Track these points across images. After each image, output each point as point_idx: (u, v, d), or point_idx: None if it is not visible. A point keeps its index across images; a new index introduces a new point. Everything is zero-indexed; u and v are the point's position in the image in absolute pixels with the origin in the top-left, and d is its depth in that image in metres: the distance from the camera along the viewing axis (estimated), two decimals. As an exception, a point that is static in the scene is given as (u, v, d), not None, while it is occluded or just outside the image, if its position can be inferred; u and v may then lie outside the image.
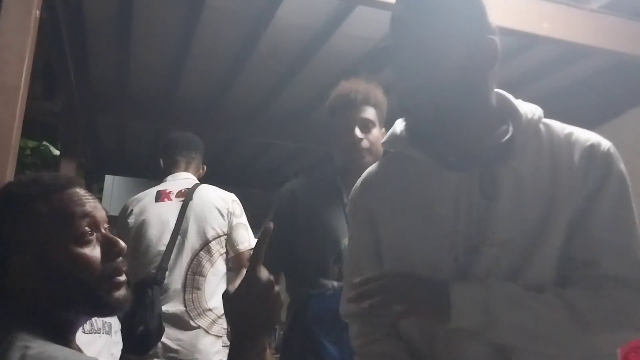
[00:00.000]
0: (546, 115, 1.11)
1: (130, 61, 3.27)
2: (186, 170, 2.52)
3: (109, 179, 6.45)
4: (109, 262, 0.95)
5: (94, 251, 0.94)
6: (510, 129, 1.06)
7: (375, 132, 1.86)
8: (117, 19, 2.84)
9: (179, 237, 2.28)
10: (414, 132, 1.10)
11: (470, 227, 1.03)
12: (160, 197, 2.41)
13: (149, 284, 2.20)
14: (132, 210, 2.40)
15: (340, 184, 1.91)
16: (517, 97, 1.14)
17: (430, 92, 1.02)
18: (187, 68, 3.31)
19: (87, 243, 0.94)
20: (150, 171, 5.95)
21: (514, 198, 1.03)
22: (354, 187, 1.27)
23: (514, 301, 0.97)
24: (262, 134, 4.39)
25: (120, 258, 0.97)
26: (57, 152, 9.55)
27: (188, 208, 2.32)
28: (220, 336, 2.29)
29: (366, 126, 1.84)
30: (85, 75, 3.53)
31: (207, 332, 2.25)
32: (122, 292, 0.96)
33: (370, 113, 1.86)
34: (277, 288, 0.95)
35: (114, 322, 3.09)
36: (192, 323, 2.22)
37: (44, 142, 9.90)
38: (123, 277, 0.97)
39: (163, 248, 2.27)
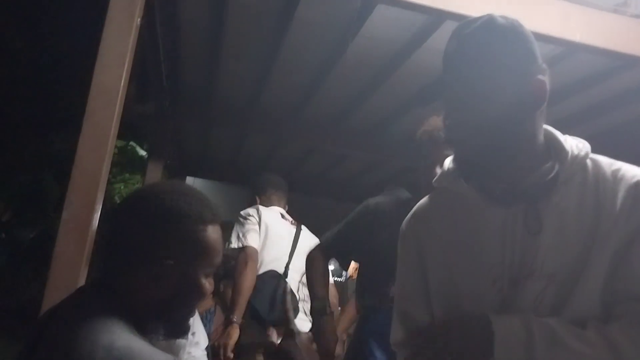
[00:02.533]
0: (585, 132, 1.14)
1: (219, 69, 3.38)
2: (278, 205, 3.29)
3: (189, 180, 6.68)
4: (204, 297, 1.06)
5: (206, 285, 1.04)
6: (556, 166, 1.09)
7: None
8: (209, 29, 2.95)
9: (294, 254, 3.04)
10: (461, 166, 1.15)
11: (515, 261, 1.07)
12: (284, 217, 3.24)
13: (282, 276, 2.94)
14: (261, 215, 3.08)
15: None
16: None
17: (477, 128, 1.06)
18: (272, 78, 3.39)
19: (206, 278, 1.05)
20: (228, 175, 6.16)
21: (557, 233, 1.06)
22: (405, 219, 1.32)
23: (554, 340, 0.99)
24: (340, 145, 4.41)
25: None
26: (142, 153, 10.02)
27: (300, 236, 3.15)
28: None
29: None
30: (176, 81, 3.69)
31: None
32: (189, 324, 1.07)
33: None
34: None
35: (194, 323, 3.20)
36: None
37: (131, 143, 10.39)
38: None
39: (286, 258, 3.03)
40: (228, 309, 2.97)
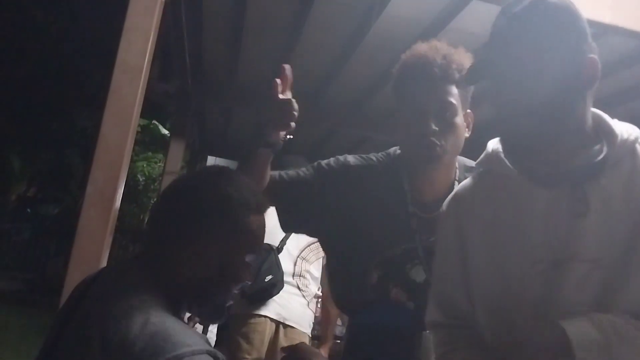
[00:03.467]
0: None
1: (241, 49, 3.38)
2: None
3: (210, 159, 6.73)
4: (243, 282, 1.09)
5: (248, 270, 1.08)
6: (605, 148, 1.07)
7: (458, 121, 1.40)
8: (232, 8, 2.94)
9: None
10: (508, 144, 1.12)
11: (558, 243, 1.05)
12: None
13: (275, 250, 2.89)
14: None
15: (405, 184, 1.49)
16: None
17: (527, 107, 1.04)
18: (293, 58, 3.38)
19: (249, 264, 1.07)
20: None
21: (603, 216, 1.03)
22: (447, 200, 1.27)
23: (626, 335, 0.97)
24: (361, 127, 4.40)
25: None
26: (165, 132, 10.11)
27: None
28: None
29: (444, 113, 1.38)
30: (199, 60, 3.70)
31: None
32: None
33: (451, 93, 1.39)
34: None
35: None
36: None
37: (154, 121, 10.48)
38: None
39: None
40: None
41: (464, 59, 1.41)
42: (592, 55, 1.05)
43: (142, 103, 1.87)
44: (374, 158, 1.58)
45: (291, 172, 1.60)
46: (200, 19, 3.14)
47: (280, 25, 3.03)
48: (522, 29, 1.04)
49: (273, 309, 2.85)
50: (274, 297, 2.84)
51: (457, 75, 1.38)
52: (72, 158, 10.69)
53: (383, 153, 1.60)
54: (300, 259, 2.99)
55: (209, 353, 0.89)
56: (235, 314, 2.85)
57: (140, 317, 0.89)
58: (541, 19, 1.04)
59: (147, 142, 10.92)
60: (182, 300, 1.02)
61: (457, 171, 1.52)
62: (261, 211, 1.08)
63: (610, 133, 1.09)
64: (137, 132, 3.66)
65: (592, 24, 1.12)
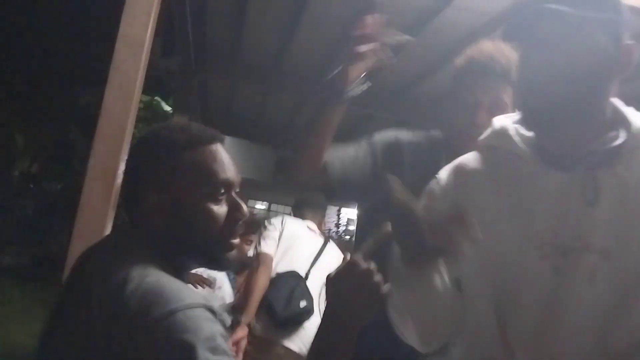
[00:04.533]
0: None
1: (245, 25, 3.35)
2: (311, 219, 3.34)
3: (213, 137, 6.73)
4: (230, 224, 1.02)
5: (220, 210, 1.01)
6: (622, 135, 1.04)
7: None
8: (236, -18, 2.92)
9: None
10: (531, 115, 1.07)
11: (567, 229, 1.01)
12: (310, 229, 3.27)
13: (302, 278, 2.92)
14: (284, 225, 3.15)
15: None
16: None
17: (560, 75, 1.00)
18: (298, 34, 3.35)
19: (217, 201, 1.01)
20: (252, 133, 6.16)
21: (616, 206, 1.00)
22: (443, 169, 1.22)
23: None
24: (365, 105, 4.37)
25: (240, 222, 1.04)
26: (167, 108, 10.08)
27: (326, 248, 3.17)
28: None
29: (496, 108, 1.46)
30: (203, 36, 3.66)
31: None
32: (233, 253, 1.04)
33: (506, 92, 1.48)
34: (377, 278, 0.97)
35: (220, 277, 3.26)
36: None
37: (156, 98, 10.45)
38: (237, 240, 1.05)
39: (306, 267, 3.01)
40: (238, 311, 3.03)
41: None
42: (630, 42, 1.04)
43: (144, 78, 1.86)
44: (420, 135, 1.67)
45: (345, 153, 1.63)
46: (204, -6, 3.11)
47: (285, 0, 3.00)
48: (574, 4, 1.01)
49: (299, 339, 2.81)
50: (304, 326, 2.81)
51: (514, 77, 1.44)
52: (75, 134, 10.69)
53: (425, 133, 1.68)
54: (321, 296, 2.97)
55: (204, 307, 0.87)
56: (258, 336, 2.83)
57: (137, 277, 0.88)
58: None
59: (150, 118, 10.89)
60: (176, 256, 1.00)
61: None
62: (198, 144, 1.01)
63: (625, 120, 1.06)
64: (140, 108, 3.65)
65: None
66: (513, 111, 1.44)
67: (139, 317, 0.83)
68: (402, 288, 1.09)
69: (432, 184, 1.22)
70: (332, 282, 0.98)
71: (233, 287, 3.42)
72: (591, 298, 0.99)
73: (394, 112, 4.41)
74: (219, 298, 3.24)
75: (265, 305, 2.87)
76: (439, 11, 2.79)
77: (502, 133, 1.13)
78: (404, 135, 1.66)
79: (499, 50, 1.49)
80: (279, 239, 3.08)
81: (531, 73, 1.05)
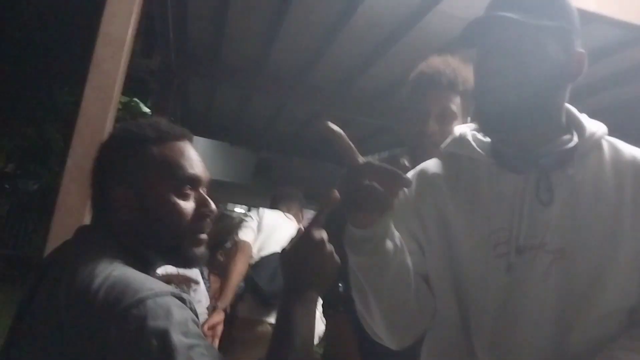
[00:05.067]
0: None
1: (226, 26, 3.34)
2: (286, 211, 3.43)
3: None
4: (197, 220, 1.02)
5: (187, 205, 1.01)
6: (575, 138, 1.08)
7: (455, 125, 1.56)
8: (218, -17, 2.90)
9: None
10: (486, 118, 1.10)
11: (522, 229, 1.04)
12: (287, 217, 3.37)
13: None
14: (262, 216, 3.21)
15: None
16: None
17: (515, 81, 1.03)
18: (280, 37, 3.35)
19: (184, 196, 1.01)
20: (232, 135, 6.14)
21: (570, 206, 1.04)
22: (408, 174, 1.23)
23: None
24: (346, 109, 4.39)
25: (208, 219, 1.04)
26: (146, 110, 9.98)
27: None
28: None
29: (445, 117, 1.57)
30: (184, 37, 3.64)
31: None
32: (201, 250, 1.04)
33: (454, 102, 1.58)
34: (330, 247, 0.98)
35: (195, 278, 3.24)
36: None
37: (135, 99, 10.36)
38: (205, 237, 1.04)
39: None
40: (215, 296, 3.05)
41: (470, 75, 1.54)
42: (581, 50, 1.07)
43: (124, 78, 1.84)
44: (384, 156, 1.79)
45: None
46: (185, -6, 3.09)
47: (267, 3, 3.00)
48: (522, 6, 1.04)
49: None
50: None
51: (461, 87, 1.58)
52: (52, 134, 10.53)
53: (389, 153, 1.78)
54: None
55: (172, 294, 0.87)
56: (242, 317, 2.85)
57: (103, 272, 0.88)
58: (542, 3, 1.05)
59: (128, 119, 10.78)
60: (142, 253, 1.00)
61: None
62: (165, 140, 1.02)
63: (578, 125, 1.11)
64: (118, 109, 3.61)
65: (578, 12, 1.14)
66: (462, 120, 1.58)
67: (109, 309, 0.83)
68: (360, 287, 1.09)
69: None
70: (288, 254, 0.98)
71: (208, 290, 3.40)
72: (545, 296, 1.02)
73: (375, 117, 4.43)
74: (196, 301, 3.22)
75: (250, 286, 2.91)
76: (422, 16, 2.82)
77: (461, 140, 1.18)
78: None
79: (446, 63, 1.60)
80: (258, 229, 3.15)
81: (485, 79, 1.08)
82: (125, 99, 9.76)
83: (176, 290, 0.89)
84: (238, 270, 2.93)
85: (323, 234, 0.98)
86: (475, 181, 1.12)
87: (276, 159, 7.74)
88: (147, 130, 1.02)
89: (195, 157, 1.05)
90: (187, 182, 1.01)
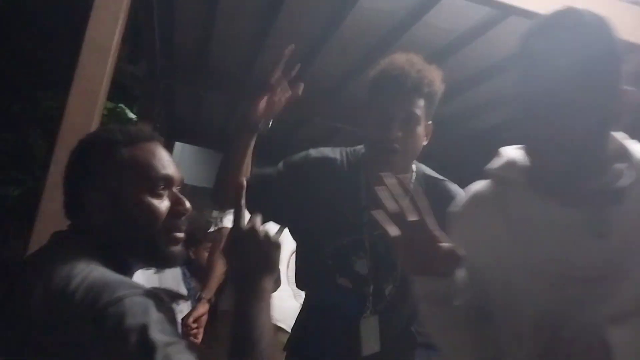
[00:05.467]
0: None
1: (213, 33, 3.33)
2: None
3: (178, 145, 6.62)
4: (172, 218, 1.04)
5: (161, 204, 1.03)
6: (627, 172, 1.04)
7: (419, 130, 1.53)
8: (205, -10, 2.90)
9: None
10: (538, 175, 1.08)
11: (579, 262, 1.03)
12: None
13: None
14: None
15: (362, 179, 1.60)
16: None
17: (564, 144, 1.00)
18: (267, 45, 3.35)
19: (158, 196, 1.02)
20: (219, 142, 6.10)
21: (628, 235, 1.02)
22: (460, 203, 1.25)
23: None
24: (333, 118, 4.39)
25: (184, 218, 1.05)
26: (132, 116, 9.91)
27: None
28: None
29: (409, 122, 1.50)
30: (170, 43, 3.63)
31: None
32: (177, 248, 1.05)
33: (418, 105, 1.50)
34: (261, 235, 1.00)
35: (178, 285, 3.23)
36: None
37: (120, 105, 10.28)
38: (181, 235, 1.06)
39: None
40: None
41: (436, 76, 1.54)
42: (627, 88, 1.03)
43: (109, 84, 1.83)
44: (339, 151, 1.69)
45: (257, 171, 1.74)
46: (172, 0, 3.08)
47: (254, 10, 3.00)
48: (568, 64, 0.98)
49: None
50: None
51: (426, 90, 1.51)
52: (35, 139, 10.42)
53: (351, 148, 1.71)
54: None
55: (148, 293, 0.88)
56: (223, 310, 2.82)
57: (80, 273, 0.88)
58: (583, 46, 0.99)
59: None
60: (119, 256, 1.01)
61: (414, 174, 1.64)
62: (136, 142, 1.04)
63: (627, 154, 1.08)
64: (104, 115, 3.59)
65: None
66: (425, 122, 1.52)
67: (87, 309, 0.83)
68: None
69: (450, 213, 1.25)
70: (227, 250, 1.01)
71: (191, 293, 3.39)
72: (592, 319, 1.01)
73: (362, 125, 4.43)
74: (178, 310, 3.20)
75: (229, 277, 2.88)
76: (408, 27, 2.83)
77: (514, 165, 1.15)
78: (320, 152, 1.68)
79: (411, 63, 1.52)
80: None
81: (533, 143, 1.06)
82: (111, 105, 9.68)
83: (153, 290, 0.90)
84: (219, 258, 2.86)
85: (252, 224, 1.00)
86: (529, 210, 1.10)
87: (262, 165, 7.71)
88: (116, 133, 1.04)
89: (166, 157, 1.06)
90: (160, 182, 1.02)
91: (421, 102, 1.51)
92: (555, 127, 1.00)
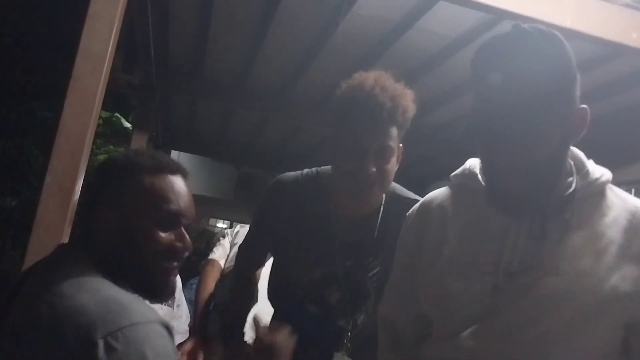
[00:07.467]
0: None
1: (208, 42, 3.34)
2: None
3: (174, 154, 6.63)
4: (171, 252, 1.06)
5: (165, 237, 1.04)
6: (574, 184, 1.07)
7: (393, 160, 1.45)
8: (199, 0, 2.91)
9: None
10: (494, 190, 1.10)
11: (514, 260, 1.07)
12: None
13: None
14: (237, 234, 3.20)
15: (331, 206, 1.55)
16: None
17: (520, 164, 1.02)
18: (261, 53, 3.36)
19: (164, 229, 1.04)
20: (214, 151, 6.11)
21: (560, 244, 1.05)
22: (412, 209, 1.32)
23: None
24: (326, 125, 4.38)
25: (183, 255, 1.07)
26: (127, 125, 9.90)
27: None
28: None
29: (383, 155, 1.41)
30: (165, 52, 3.63)
31: None
32: (172, 279, 1.08)
33: (392, 136, 1.42)
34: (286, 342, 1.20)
35: (178, 295, 3.25)
36: None
37: (116, 114, 10.27)
38: (176, 265, 1.08)
39: None
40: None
41: (409, 101, 1.44)
42: (583, 106, 1.05)
43: (104, 92, 1.83)
44: (304, 179, 1.63)
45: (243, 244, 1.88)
46: (167, 8, 3.08)
47: (249, 19, 3.01)
48: (516, 84, 0.98)
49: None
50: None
51: (400, 119, 1.41)
52: (31, 149, 10.39)
53: (314, 170, 1.64)
54: None
55: (161, 323, 0.90)
56: (211, 333, 2.84)
57: (90, 289, 0.90)
58: (534, 69, 0.99)
59: (109, 135, 10.67)
60: (118, 277, 1.01)
61: (385, 196, 1.55)
62: (160, 172, 1.05)
63: (582, 170, 1.11)
64: (99, 124, 3.56)
65: (552, 27, 1.14)
66: (396, 148, 1.45)
67: (98, 325, 0.84)
68: None
69: (403, 228, 1.33)
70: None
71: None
72: (527, 317, 1.05)
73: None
74: (177, 316, 3.20)
75: (213, 303, 2.95)
76: (402, 33, 2.85)
77: (470, 173, 1.21)
78: (283, 185, 1.64)
79: (383, 88, 1.41)
80: (230, 246, 3.21)
81: (490, 162, 1.08)
82: (106, 114, 9.67)
83: (164, 320, 0.92)
84: (205, 288, 3.00)
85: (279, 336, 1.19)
86: (476, 210, 1.15)
87: (257, 174, 7.72)
88: (144, 158, 1.06)
89: (185, 193, 1.07)
90: (171, 216, 1.04)
91: (394, 132, 1.42)
92: (507, 155, 1.02)
